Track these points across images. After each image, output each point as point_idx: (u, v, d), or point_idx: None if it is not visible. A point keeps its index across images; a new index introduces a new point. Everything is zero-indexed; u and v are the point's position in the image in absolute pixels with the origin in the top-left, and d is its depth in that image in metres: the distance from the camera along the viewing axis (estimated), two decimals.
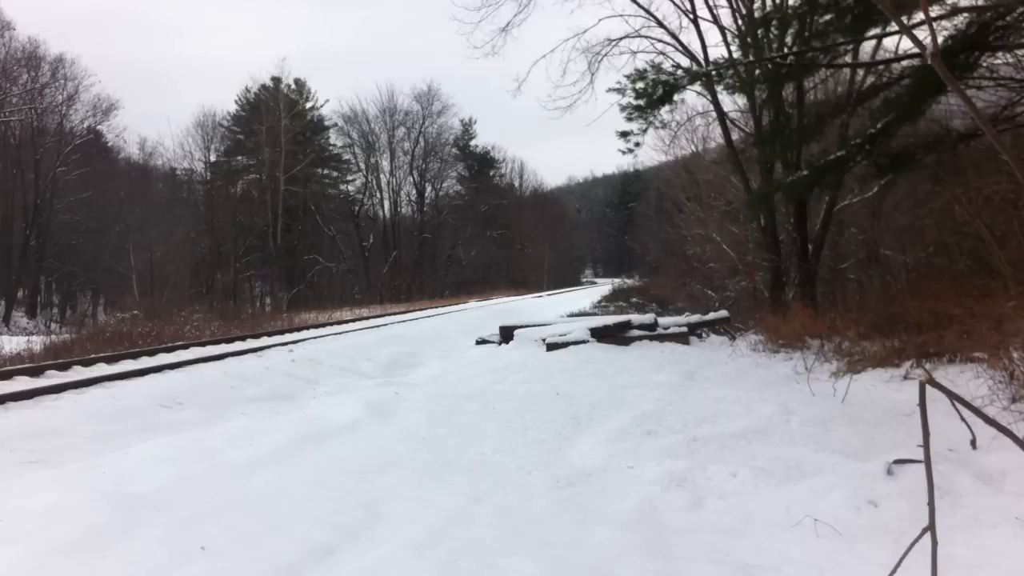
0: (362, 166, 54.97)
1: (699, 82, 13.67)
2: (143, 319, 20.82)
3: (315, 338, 16.29)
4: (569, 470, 5.44)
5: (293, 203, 47.03)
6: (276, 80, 48.59)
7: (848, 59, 11.58)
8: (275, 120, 45.58)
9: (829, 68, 11.41)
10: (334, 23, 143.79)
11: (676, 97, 12.04)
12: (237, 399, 9.26)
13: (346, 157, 55.28)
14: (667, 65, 14.10)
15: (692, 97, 30.32)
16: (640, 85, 12.19)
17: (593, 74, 16.42)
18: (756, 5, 14.65)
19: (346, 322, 22.49)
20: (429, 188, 57.78)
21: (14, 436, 6.73)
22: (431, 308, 31.60)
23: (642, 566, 3.69)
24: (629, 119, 13.91)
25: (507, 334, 13.87)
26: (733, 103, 17.78)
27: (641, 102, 12.35)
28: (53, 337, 19.25)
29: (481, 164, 64.75)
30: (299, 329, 19.15)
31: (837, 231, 15.99)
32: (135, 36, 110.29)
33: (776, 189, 12.13)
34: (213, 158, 47.61)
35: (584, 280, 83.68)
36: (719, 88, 14.71)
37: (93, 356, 12.08)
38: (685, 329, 13.51)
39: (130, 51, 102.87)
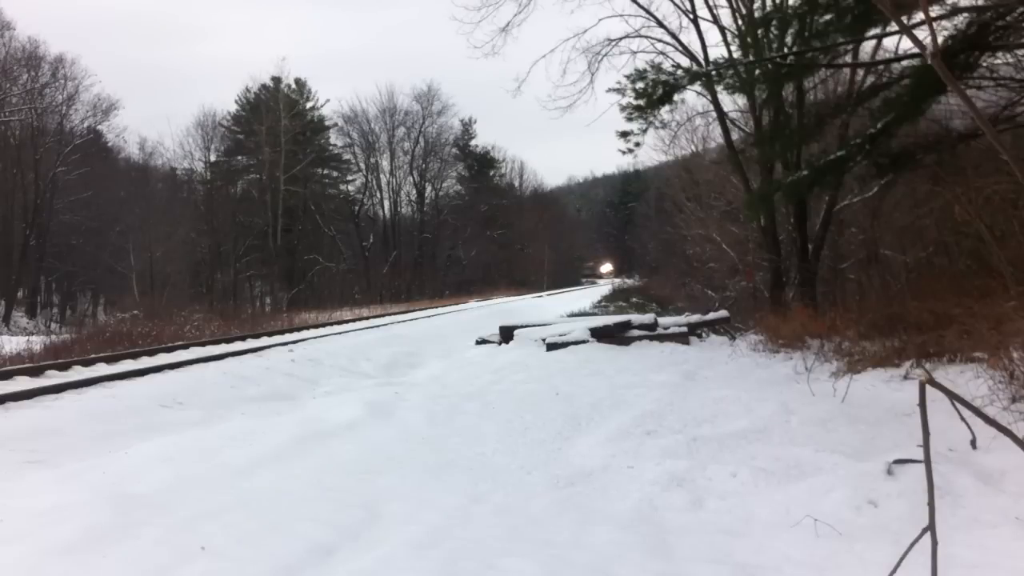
0: (362, 166, 55.06)
1: (699, 82, 13.65)
2: (143, 319, 20.82)
3: (315, 338, 16.29)
4: (569, 470, 5.43)
5: (293, 203, 47.01)
6: (276, 80, 48.63)
7: (848, 59, 11.58)
8: (275, 120, 45.57)
9: (829, 68, 11.41)
10: (335, 26, 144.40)
11: (676, 97, 12.07)
12: (237, 399, 9.26)
13: (346, 157, 55.33)
14: (667, 65, 14.12)
15: (692, 97, 30.27)
16: (640, 85, 12.20)
17: (593, 74, 16.44)
18: (756, 5, 14.66)
19: (346, 322, 22.49)
20: (429, 188, 57.82)
21: (14, 436, 6.73)
22: (431, 308, 31.60)
23: (642, 566, 3.69)
24: (629, 119, 13.94)
25: (507, 334, 13.87)
26: (733, 103, 17.79)
27: (641, 102, 12.36)
28: (53, 337, 19.24)
29: (481, 164, 64.71)
30: (299, 329, 19.14)
31: (837, 231, 15.98)
32: (159, 38, 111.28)
33: (776, 189, 12.12)
34: (213, 158, 47.65)
35: (584, 280, 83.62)
36: (719, 88, 14.70)
37: (93, 356, 12.08)
38: (685, 329, 13.50)
39: (149, 53, 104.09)
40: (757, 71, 11.27)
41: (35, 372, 10.16)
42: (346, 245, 52.95)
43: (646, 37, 16.58)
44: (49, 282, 45.63)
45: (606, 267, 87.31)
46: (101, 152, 46.50)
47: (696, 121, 21.82)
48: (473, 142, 63.87)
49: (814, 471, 4.81)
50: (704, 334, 14.01)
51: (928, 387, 2.48)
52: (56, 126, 41.71)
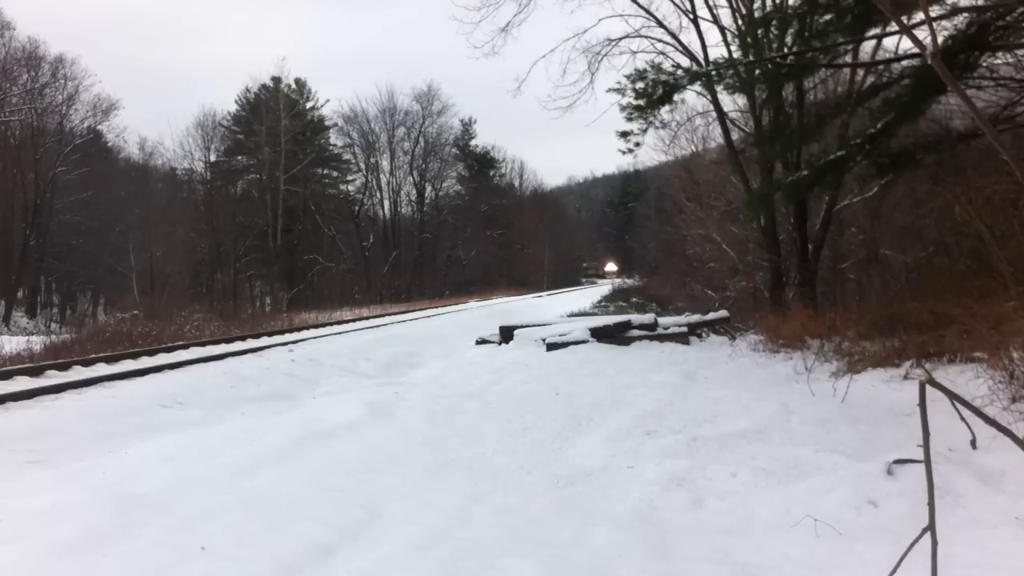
0: (362, 166, 55.10)
1: (699, 82, 13.65)
2: (143, 319, 20.82)
3: (315, 338, 16.29)
4: (569, 470, 5.43)
5: (293, 203, 47.02)
6: (276, 80, 48.65)
7: (848, 59, 11.58)
8: (275, 120, 45.58)
9: (829, 68, 11.41)
10: (335, 26, 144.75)
11: (676, 97, 12.06)
12: (237, 399, 9.26)
13: (346, 157, 55.37)
14: (667, 65, 14.12)
15: (692, 97, 30.30)
16: (640, 85, 12.20)
17: (593, 74, 16.44)
18: (756, 5, 14.66)
19: (346, 322, 22.49)
20: (429, 188, 57.86)
21: (14, 436, 6.74)
22: (431, 308, 31.59)
23: (642, 566, 3.69)
24: (629, 119, 13.94)
25: (507, 334, 13.86)
26: (733, 103, 17.79)
27: (641, 102, 12.36)
28: (53, 337, 19.25)
29: (481, 164, 64.73)
30: (299, 329, 19.15)
31: (837, 231, 15.99)
32: (160, 39, 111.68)
33: (776, 189, 12.12)
34: (213, 158, 47.69)
35: (584, 280, 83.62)
36: (719, 88, 14.69)
37: (93, 356, 12.08)
38: (685, 329, 13.50)
39: (150, 54, 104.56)
40: (757, 71, 11.27)
41: (35, 372, 10.16)
42: (346, 245, 52.97)
43: (646, 37, 16.61)
44: (49, 282, 45.63)
45: (610, 266, 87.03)
46: (101, 152, 46.50)
47: (696, 121, 21.86)
48: (473, 142, 63.98)
49: (814, 471, 4.81)
50: (704, 334, 14.01)
51: (928, 387, 2.48)
52: (56, 126, 41.71)
